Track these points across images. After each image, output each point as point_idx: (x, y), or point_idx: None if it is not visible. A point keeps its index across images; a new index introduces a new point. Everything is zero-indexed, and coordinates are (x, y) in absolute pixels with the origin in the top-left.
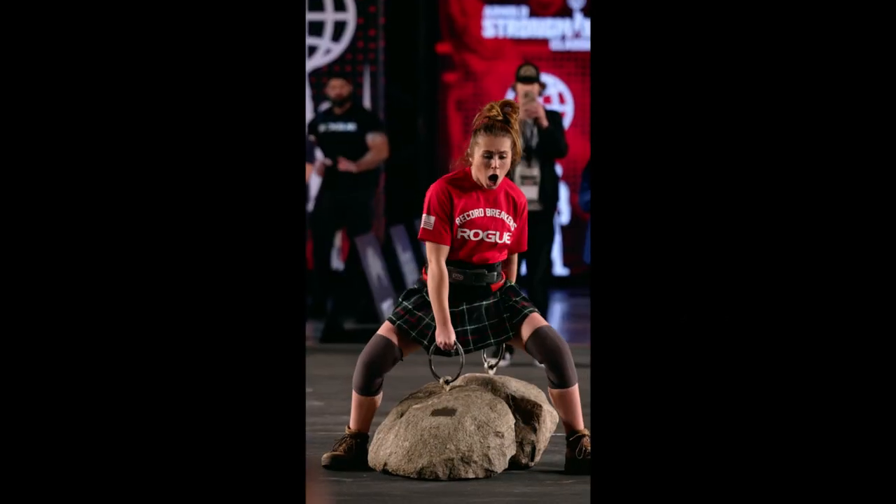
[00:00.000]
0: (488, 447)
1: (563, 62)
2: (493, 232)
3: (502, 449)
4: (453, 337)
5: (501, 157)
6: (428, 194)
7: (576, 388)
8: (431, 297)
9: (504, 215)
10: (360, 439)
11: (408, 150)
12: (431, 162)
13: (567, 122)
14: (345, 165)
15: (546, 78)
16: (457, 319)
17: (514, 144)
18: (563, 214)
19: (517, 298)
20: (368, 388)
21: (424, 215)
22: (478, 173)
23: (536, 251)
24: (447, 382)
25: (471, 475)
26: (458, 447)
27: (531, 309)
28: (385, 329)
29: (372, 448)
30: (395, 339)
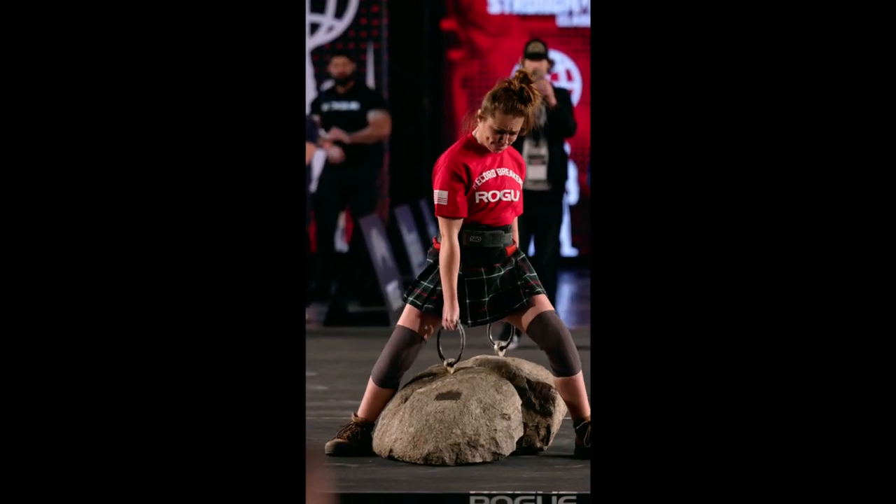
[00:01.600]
0: (495, 430)
1: (570, 38)
2: (509, 190)
3: (509, 431)
4: (458, 315)
5: (511, 134)
6: (438, 169)
7: (580, 375)
8: (442, 273)
9: (512, 174)
10: (366, 427)
11: (412, 130)
12: (436, 141)
13: (575, 99)
14: (336, 134)
15: (553, 55)
16: (476, 288)
17: (527, 120)
18: (572, 194)
19: (531, 273)
20: (392, 380)
21: (437, 191)
22: (484, 141)
23: (544, 232)
24: (450, 365)
25: (478, 459)
26: (465, 431)
27: (541, 289)
28: (409, 318)
29: (377, 434)
30: (420, 327)
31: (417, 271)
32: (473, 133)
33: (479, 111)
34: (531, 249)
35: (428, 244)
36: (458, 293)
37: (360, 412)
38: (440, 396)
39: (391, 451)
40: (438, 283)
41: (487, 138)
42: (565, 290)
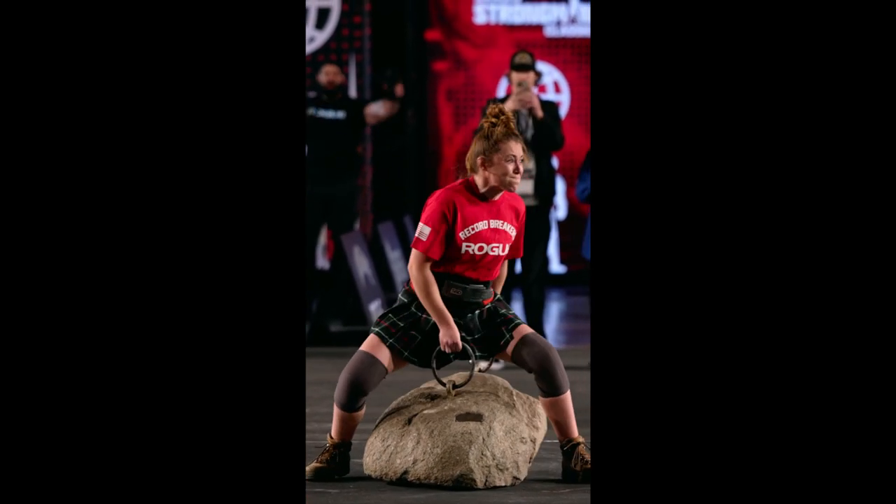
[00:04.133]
0: (518, 454)
1: (558, 49)
2: (497, 245)
3: (527, 456)
4: (458, 336)
5: (521, 161)
6: (430, 203)
7: (568, 395)
8: (424, 302)
9: (507, 226)
10: (344, 448)
11: (396, 142)
12: (421, 154)
13: (563, 111)
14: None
15: (541, 66)
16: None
17: (523, 146)
18: (560, 209)
19: (505, 310)
20: (352, 405)
21: (421, 224)
22: (497, 181)
23: (531, 249)
24: (455, 386)
25: (502, 483)
26: (494, 453)
27: (520, 321)
28: (371, 345)
29: (371, 456)
30: (382, 357)
31: (401, 289)
32: (475, 178)
33: (477, 158)
34: (517, 267)
35: None
36: (421, 337)
37: (333, 433)
38: (461, 418)
39: (406, 472)
40: (409, 324)
41: (504, 175)
42: (554, 308)
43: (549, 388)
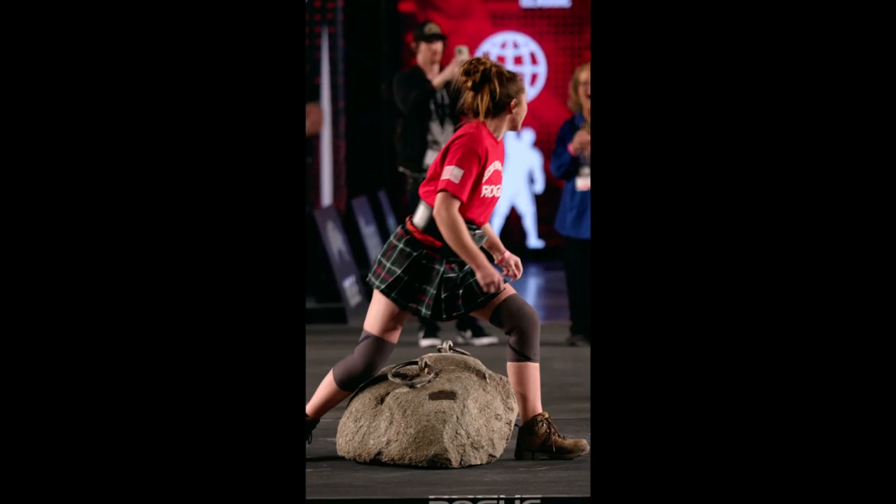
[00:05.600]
0: (493, 431)
1: (534, 20)
2: (500, 186)
3: (502, 433)
4: (497, 273)
5: None
6: (461, 145)
7: (537, 366)
8: (456, 245)
9: (501, 167)
10: (311, 426)
11: (369, 118)
12: (394, 130)
13: (539, 83)
14: None
15: (517, 37)
16: (451, 283)
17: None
18: (538, 183)
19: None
20: (354, 386)
21: (452, 167)
22: (513, 123)
23: None
24: (427, 366)
25: (477, 461)
26: (468, 431)
27: (509, 278)
28: (385, 322)
29: (345, 437)
30: (395, 337)
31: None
32: (488, 122)
33: (509, 101)
34: None
35: (386, 236)
36: (435, 290)
37: (309, 409)
38: (434, 396)
39: (380, 453)
40: (418, 275)
41: (522, 115)
42: (531, 283)
43: (523, 349)
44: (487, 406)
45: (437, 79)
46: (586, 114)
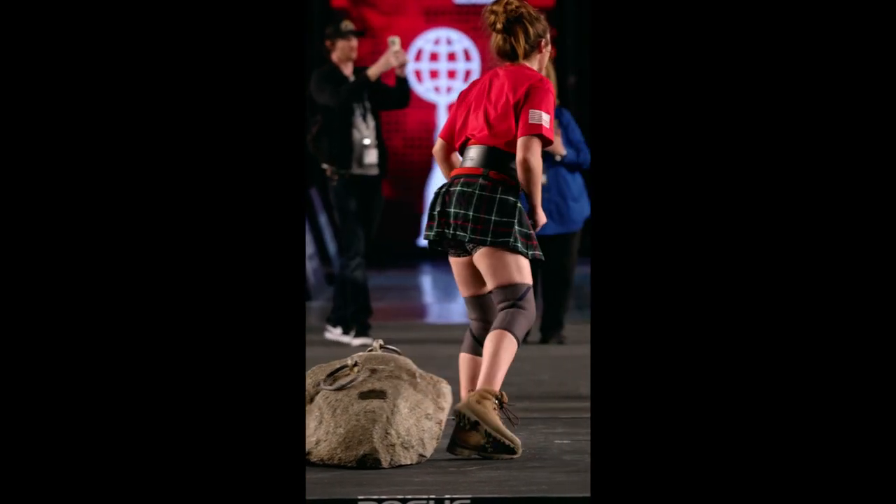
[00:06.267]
0: (423, 430)
1: (468, 16)
2: None
3: (433, 432)
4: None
5: None
6: (540, 88)
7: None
8: (535, 188)
9: None
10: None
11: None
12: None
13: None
14: None
15: (450, 33)
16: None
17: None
18: None
19: None
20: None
21: (537, 111)
22: (539, 65)
23: (370, 221)
24: (356, 365)
25: (407, 461)
26: (398, 431)
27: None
28: (512, 264)
29: None
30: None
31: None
32: (527, 63)
33: (541, 40)
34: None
35: (319, 235)
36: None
37: (498, 388)
38: (364, 395)
39: (309, 453)
40: (520, 220)
41: (545, 62)
42: (426, 281)
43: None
44: (418, 405)
45: (372, 69)
46: None
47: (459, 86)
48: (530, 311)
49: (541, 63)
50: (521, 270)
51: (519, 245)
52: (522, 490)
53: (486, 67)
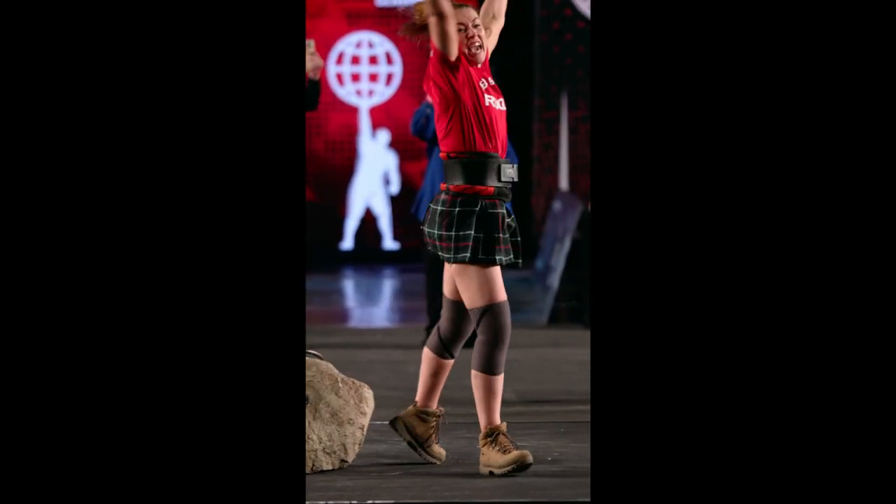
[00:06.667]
0: (345, 436)
1: (389, 20)
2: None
3: (355, 437)
4: None
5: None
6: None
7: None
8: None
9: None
10: (497, 432)
11: None
12: None
13: (395, 82)
14: None
15: (372, 37)
16: (511, 228)
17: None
18: (393, 184)
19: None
20: (502, 366)
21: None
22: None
23: None
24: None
25: (329, 466)
26: (320, 437)
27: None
28: (497, 285)
29: None
30: (501, 286)
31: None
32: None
33: (428, 21)
34: None
35: None
36: (506, 234)
37: (486, 423)
38: None
39: None
40: (480, 228)
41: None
42: (387, 285)
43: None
44: (340, 411)
45: None
46: None
47: (381, 89)
48: (495, 334)
49: (435, 32)
50: (482, 289)
51: (480, 255)
52: (445, 495)
53: (407, 71)
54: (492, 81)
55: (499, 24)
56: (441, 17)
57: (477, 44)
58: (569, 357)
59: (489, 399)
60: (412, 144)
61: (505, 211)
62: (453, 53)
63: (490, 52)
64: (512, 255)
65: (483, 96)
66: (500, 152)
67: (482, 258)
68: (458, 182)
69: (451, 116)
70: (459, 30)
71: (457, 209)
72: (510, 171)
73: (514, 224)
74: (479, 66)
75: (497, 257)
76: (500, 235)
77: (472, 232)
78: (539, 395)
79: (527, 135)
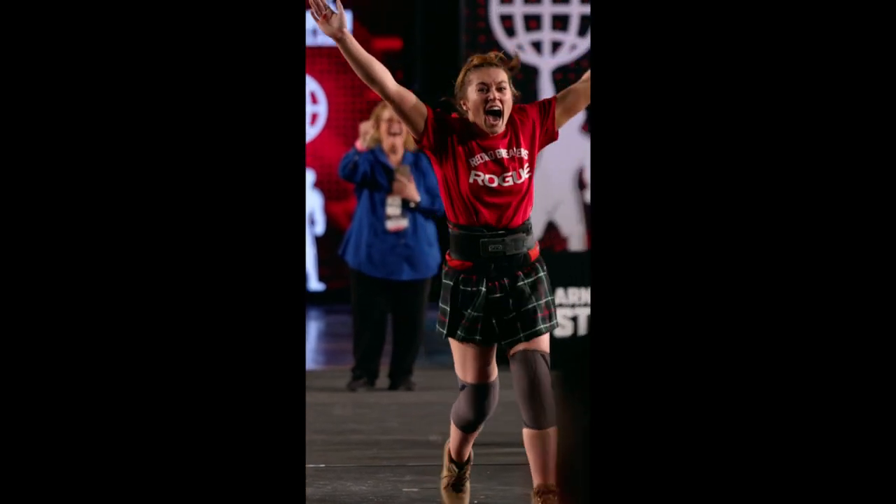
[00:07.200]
0: None
1: (315, 58)
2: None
3: None
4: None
5: (499, 90)
6: None
7: (552, 432)
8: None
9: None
10: (464, 466)
11: None
12: None
13: (320, 122)
14: None
15: None
16: (499, 306)
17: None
18: (318, 224)
19: (546, 299)
20: (475, 428)
21: None
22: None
23: None
24: None
25: None
26: None
27: (545, 328)
28: (462, 358)
29: None
30: (488, 364)
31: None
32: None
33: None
34: None
35: None
36: (481, 312)
37: (454, 454)
38: None
39: None
40: (454, 302)
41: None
42: (312, 327)
43: (529, 419)
44: None
45: None
46: (388, 149)
47: (306, 129)
48: (456, 413)
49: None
50: (458, 365)
51: (446, 330)
52: None
53: (332, 110)
54: (502, 154)
55: (567, 117)
56: (390, 101)
57: (494, 108)
58: (416, 399)
59: (459, 440)
60: (337, 185)
61: (489, 287)
62: (413, 135)
63: (558, 131)
64: (473, 334)
65: (468, 174)
66: (493, 224)
67: (460, 336)
68: (448, 253)
69: (442, 184)
70: (480, 90)
71: (442, 282)
72: (495, 247)
73: (514, 308)
74: (494, 135)
75: (458, 333)
76: (467, 312)
77: (447, 307)
78: (385, 437)
79: None
